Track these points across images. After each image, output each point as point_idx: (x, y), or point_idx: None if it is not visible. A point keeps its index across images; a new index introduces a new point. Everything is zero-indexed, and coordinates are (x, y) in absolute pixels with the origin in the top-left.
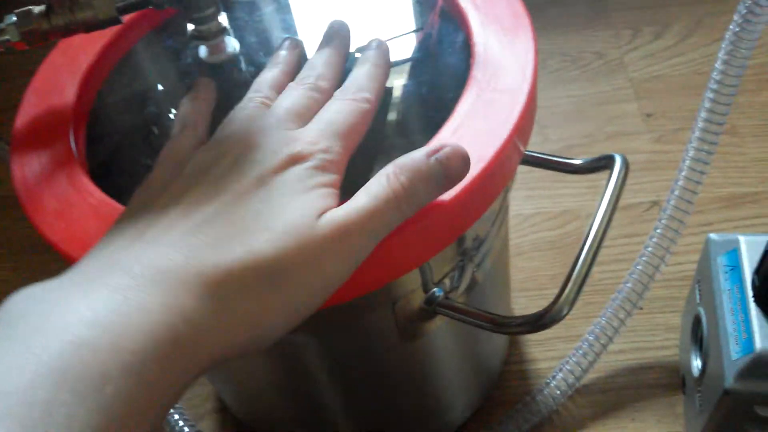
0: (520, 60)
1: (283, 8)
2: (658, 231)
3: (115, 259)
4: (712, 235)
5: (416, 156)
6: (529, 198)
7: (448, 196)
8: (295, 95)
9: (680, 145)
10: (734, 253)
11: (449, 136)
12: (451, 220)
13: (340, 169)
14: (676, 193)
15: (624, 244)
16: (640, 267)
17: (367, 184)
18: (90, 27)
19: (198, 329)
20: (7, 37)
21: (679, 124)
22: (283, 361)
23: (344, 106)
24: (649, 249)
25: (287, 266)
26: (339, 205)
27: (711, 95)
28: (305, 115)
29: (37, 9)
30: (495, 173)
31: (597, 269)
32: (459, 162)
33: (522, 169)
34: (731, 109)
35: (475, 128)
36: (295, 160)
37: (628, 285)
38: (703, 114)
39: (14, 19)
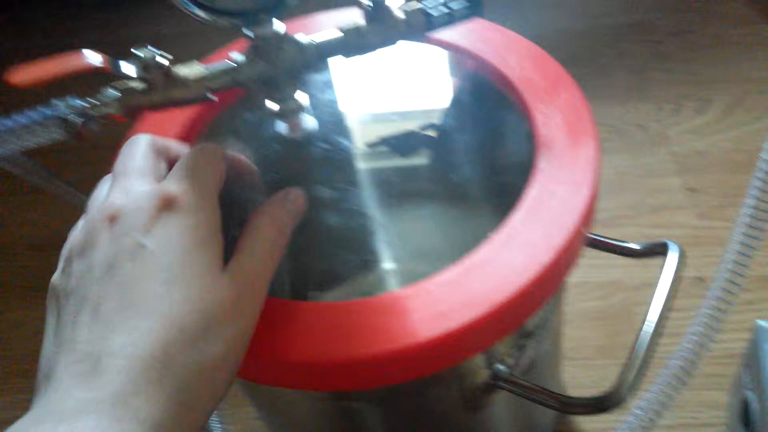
0: (583, 151)
1: (357, 88)
2: (707, 311)
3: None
4: (761, 322)
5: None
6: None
7: (515, 288)
8: None
9: (724, 222)
10: None
11: (519, 225)
12: (518, 310)
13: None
14: (725, 274)
15: (670, 319)
16: (689, 345)
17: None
18: (183, 103)
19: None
20: (110, 110)
21: (723, 200)
22: (345, 423)
23: None
24: (698, 327)
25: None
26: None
27: (761, 175)
28: None
29: (138, 86)
30: (561, 263)
31: None
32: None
33: None
34: None
35: (543, 219)
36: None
37: (677, 362)
38: (753, 193)
39: (117, 94)
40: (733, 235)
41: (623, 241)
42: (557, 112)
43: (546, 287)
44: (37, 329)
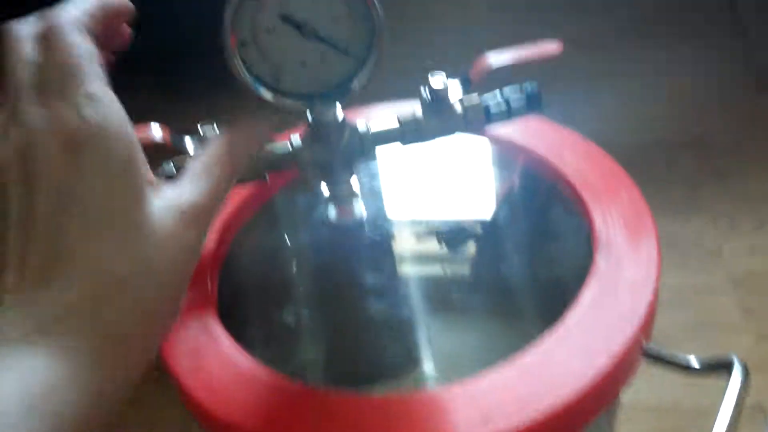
0: (644, 253)
1: (411, 177)
2: None
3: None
4: None
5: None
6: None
7: (569, 393)
8: None
9: None
10: None
11: (573, 325)
12: (570, 418)
13: None
14: None
15: None
16: None
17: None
18: (239, 181)
19: None
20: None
21: None
22: None
23: None
24: None
25: None
26: None
27: None
28: None
29: None
30: (618, 372)
31: None
32: None
33: None
34: None
35: (601, 321)
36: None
37: None
38: None
39: (173, 170)
40: None
41: (682, 355)
42: (616, 211)
43: (602, 396)
44: None
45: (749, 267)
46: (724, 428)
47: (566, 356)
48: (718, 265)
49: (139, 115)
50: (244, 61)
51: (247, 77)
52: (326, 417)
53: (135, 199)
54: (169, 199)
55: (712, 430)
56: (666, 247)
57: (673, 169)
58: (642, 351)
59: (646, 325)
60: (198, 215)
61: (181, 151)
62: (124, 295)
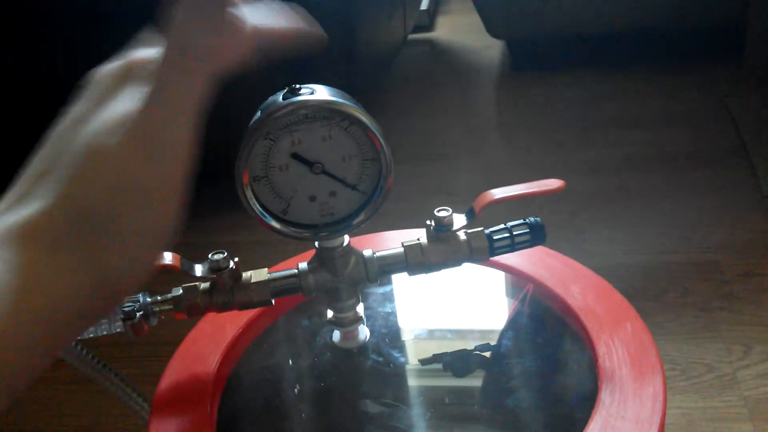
0: (649, 387)
1: (416, 304)
2: None
3: None
4: None
5: None
6: None
7: None
8: None
9: None
10: None
11: None
12: None
13: None
14: None
15: None
16: None
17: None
18: (244, 306)
19: None
20: (170, 307)
21: None
22: None
23: None
24: None
25: None
26: None
27: None
28: None
29: (202, 286)
30: None
31: None
32: None
33: None
34: None
35: None
36: None
37: None
38: None
39: (180, 292)
40: None
41: None
42: (621, 344)
43: None
44: None
45: (765, 394)
46: None
47: None
48: (733, 392)
49: None
50: (255, 194)
51: (256, 208)
52: None
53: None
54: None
55: None
56: (680, 371)
57: (685, 294)
58: None
59: None
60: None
61: (189, 275)
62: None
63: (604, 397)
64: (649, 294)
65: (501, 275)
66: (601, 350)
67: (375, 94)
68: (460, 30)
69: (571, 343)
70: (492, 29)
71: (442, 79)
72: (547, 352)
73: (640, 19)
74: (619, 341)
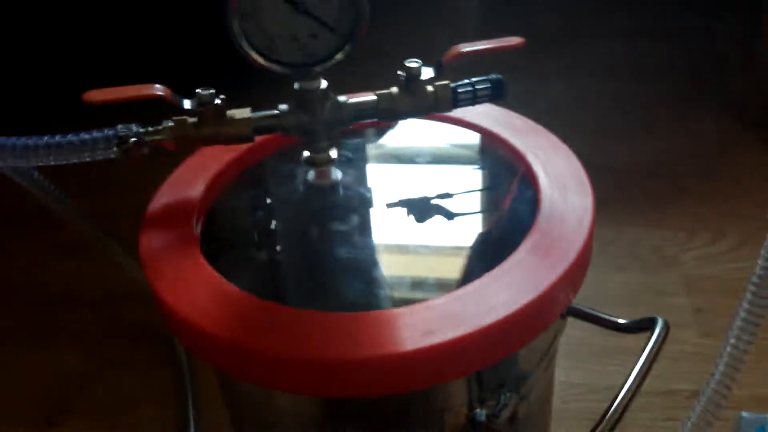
0: (579, 215)
1: (382, 155)
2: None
3: None
4: (745, 414)
5: None
6: (576, 369)
7: (500, 318)
8: None
9: None
10: (763, 430)
11: (511, 266)
12: (502, 338)
13: None
14: (713, 386)
15: (664, 428)
16: None
17: None
18: (228, 140)
19: None
20: (162, 137)
21: (728, 322)
22: None
23: None
24: None
25: None
26: None
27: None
28: None
29: (190, 119)
30: (544, 306)
31: None
32: None
33: (574, 340)
34: None
35: (533, 264)
36: None
37: None
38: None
39: (171, 124)
40: (722, 348)
41: (612, 316)
42: (558, 177)
43: (526, 326)
44: None
45: (703, 274)
46: (641, 369)
47: (498, 290)
48: (675, 271)
49: None
50: (243, 31)
51: (244, 44)
52: (294, 329)
53: None
54: None
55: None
56: (628, 252)
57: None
58: (573, 310)
59: (572, 273)
60: None
61: (178, 107)
62: None
63: (541, 221)
64: (610, 193)
65: (460, 131)
66: (544, 187)
67: None
68: None
69: (519, 180)
70: None
71: None
72: (497, 190)
73: None
74: (559, 180)
